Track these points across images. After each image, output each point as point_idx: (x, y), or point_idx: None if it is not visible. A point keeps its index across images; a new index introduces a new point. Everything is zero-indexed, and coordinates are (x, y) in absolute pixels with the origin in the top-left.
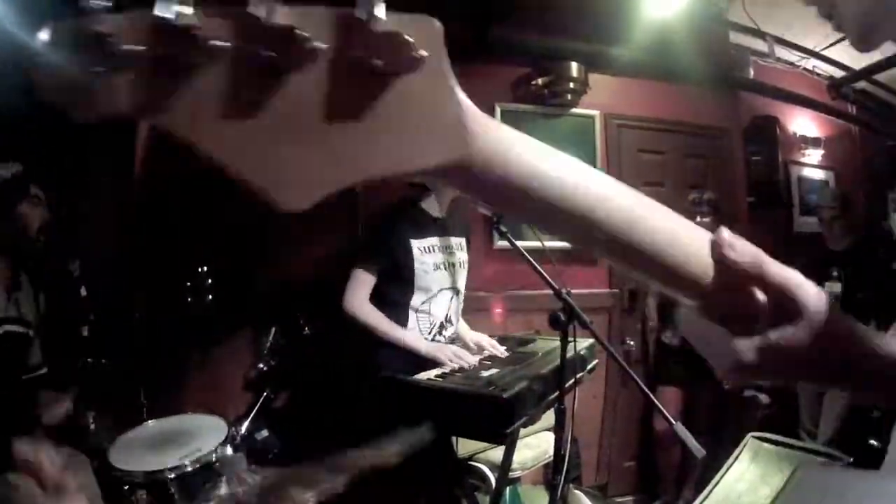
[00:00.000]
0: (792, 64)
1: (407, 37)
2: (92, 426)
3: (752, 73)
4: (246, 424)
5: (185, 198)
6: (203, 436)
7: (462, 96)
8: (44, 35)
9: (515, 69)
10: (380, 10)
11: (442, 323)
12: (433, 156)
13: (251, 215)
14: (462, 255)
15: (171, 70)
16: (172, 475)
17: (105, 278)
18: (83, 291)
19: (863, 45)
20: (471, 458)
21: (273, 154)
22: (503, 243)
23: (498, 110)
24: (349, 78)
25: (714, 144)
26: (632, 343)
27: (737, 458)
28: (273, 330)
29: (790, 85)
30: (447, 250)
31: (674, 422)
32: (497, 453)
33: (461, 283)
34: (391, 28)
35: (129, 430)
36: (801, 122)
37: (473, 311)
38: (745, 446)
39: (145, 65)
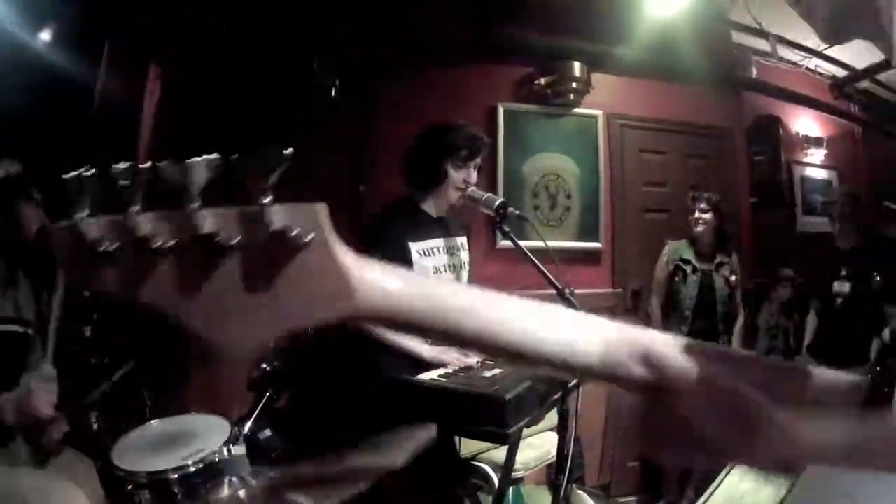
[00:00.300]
0: (794, 63)
1: (294, 229)
2: (95, 426)
3: (754, 72)
4: (249, 425)
5: None
6: (206, 436)
7: (345, 260)
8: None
9: (518, 69)
10: (270, 210)
11: None
12: (326, 312)
13: None
14: (464, 256)
15: (140, 258)
16: (175, 475)
17: None
18: (85, 291)
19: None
20: (473, 458)
21: (214, 315)
22: (506, 243)
23: (500, 110)
24: (258, 260)
25: (716, 144)
26: None
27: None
28: None
29: (793, 84)
30: (451, 251)
31: None
32: (500, 453)
33: (463, 285)
34: (281, 225)
35: (132, 430)
36: (804, 122)
37: None
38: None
39: (122, 256)
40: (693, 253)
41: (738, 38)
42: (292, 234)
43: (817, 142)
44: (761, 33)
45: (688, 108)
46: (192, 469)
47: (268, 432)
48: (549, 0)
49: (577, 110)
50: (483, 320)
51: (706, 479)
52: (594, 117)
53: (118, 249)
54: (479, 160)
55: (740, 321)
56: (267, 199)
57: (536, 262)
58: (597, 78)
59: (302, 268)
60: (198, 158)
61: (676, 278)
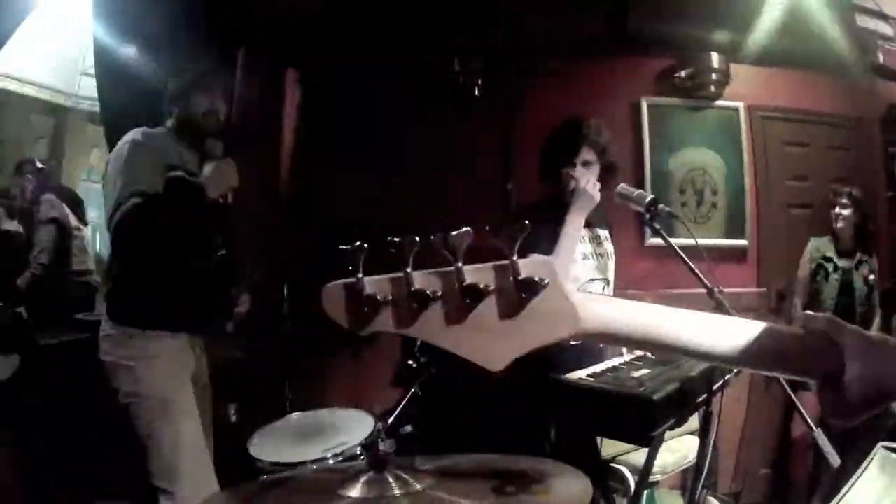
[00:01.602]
0: None
1: (535, 278)
2: (234, 418)
3: (881, 58)
4: (391, 420)
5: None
6: (348, 430)
7: (573, 297)
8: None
9: (658, 61)
10: (517, 264)
11: None
12: (558, 333)
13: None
14: (609, 247)
15: (414, 304)
16: (314, 468)
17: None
18: None
19: None
20: (613, 459)
21: (474, 341)
22: (654, 241)
23: (644, 105)
24: (508, 298)
25: (854, 135)
26: None
27: (865, 468)
28: None
29: None
30: (595, 241)
31: (814, 428)
32: (638, 456)
33: (611, 274)
34: (526, 274)
35: (271, 422)
36: None
37: None
38: (874, 457)
39: (395, 304)
40: (834, 250)
41: (862, 21)
42: (535, 280)
43: None
44: (883, 16)
45: (824, 97)
46: (332, 462)
47: (409, 428)
48: None
49: (718, 103)
50: (672, 330)
51: (832, 491)
52: (736, 109)
53: (392, 300)
54: (583, 156)
55: (876, 324)
56: (514, 256)
57: (687, 260)
58: (734, 69)
59: (541, 303)
60: (459, 230)
61: (818, 277)
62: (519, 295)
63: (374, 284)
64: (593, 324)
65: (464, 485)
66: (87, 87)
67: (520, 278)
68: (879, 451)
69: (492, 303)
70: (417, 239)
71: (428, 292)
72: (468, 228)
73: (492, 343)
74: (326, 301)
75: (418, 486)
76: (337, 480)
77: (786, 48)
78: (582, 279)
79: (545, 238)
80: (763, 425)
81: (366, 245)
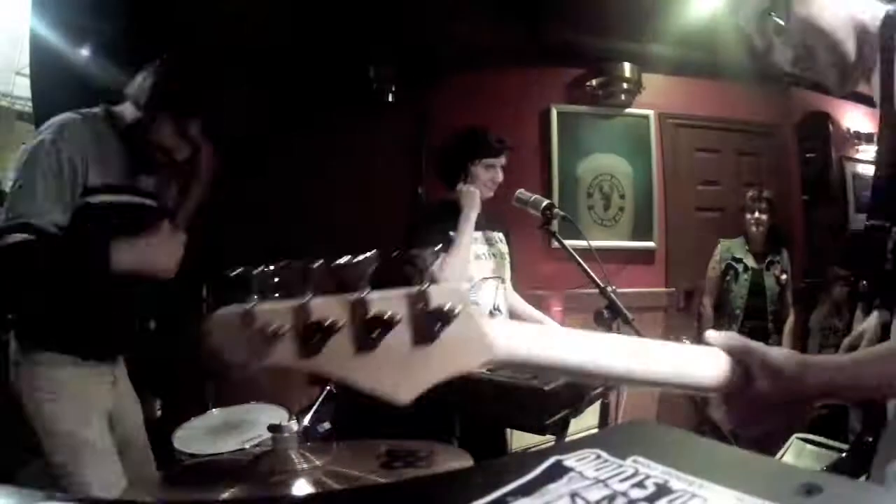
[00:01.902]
0: None
1: (447, 307)
2: (158, 413)
3: None
4: (308, 417)
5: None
6: (265, 423)
7: (487, 324)
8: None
9: (570, 71)
10: (429, 292)
11: (491, 311)
12: (473, 361)
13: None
14: (503, 247)
15: (313, 335)
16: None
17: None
18: None
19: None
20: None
21: (381, 373)
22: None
23: (554, 112)
24: (419, 328)
25: (768, 142)
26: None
27: (781, 458)
28: None
29: None
30: (489, 242)
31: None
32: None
33: (506, 273)
34: (438, 303)
35: (193, 418)
36: (854, 117)
37: None
38: (789, 447)
39: (295, 335)
40: (745, 251)
41: None
42: (446, 309)
43: (868, 137)
44: None
45: (738, 105)
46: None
47: (326, 425)
48: (597, 1)
49: (629, 111)
50: (586, 357)
51: None
52: (646, 117)
53: (290, 330)
54: (503, 161)
55: (790, 321)
56: (426, 285)
57: (580, 260)
58: (648, 78)
59: (453, 332)
60: (366, 254)
61: (728, 277)
62: (431, 325)
63: (269, 314)
64: (508, 352)
65: (359, 461)
66: (22, 87)
67: (431, 308)
68: (794, 443)
69: (402, 332)
70: (315, 266)
71: (328, 323)
72: (375, 251)
73: (402, 374)
74: (211, 333)
75: (318, 462)
76: (248, 458)
77: (700, 58)
78: (476, 278)
79: (443, 239)
80: (680, 417)
81: (260, 269)
